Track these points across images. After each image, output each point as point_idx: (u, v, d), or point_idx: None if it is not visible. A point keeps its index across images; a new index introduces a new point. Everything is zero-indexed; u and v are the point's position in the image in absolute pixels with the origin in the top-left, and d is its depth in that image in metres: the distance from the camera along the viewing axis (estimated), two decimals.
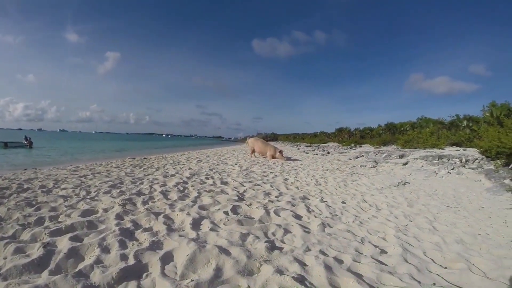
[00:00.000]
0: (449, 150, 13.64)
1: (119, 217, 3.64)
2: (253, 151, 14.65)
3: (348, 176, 8.65)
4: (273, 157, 13.71)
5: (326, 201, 5.19)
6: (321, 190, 6.28)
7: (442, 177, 8.64)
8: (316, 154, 19.92)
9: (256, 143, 14.62)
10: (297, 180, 7.43)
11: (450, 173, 8.95)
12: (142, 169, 8.41)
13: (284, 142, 70.69)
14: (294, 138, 73.79)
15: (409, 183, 7.77)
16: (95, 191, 5.02)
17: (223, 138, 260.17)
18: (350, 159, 15.40)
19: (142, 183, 5.88)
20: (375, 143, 24.51)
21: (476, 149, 10.44)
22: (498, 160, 8.17)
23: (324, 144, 38.12)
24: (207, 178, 6.92)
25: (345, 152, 20.07)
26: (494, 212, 4.87)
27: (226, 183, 6.42)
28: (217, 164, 10.39)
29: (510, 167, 7.71)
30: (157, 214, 3.75)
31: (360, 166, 11.87)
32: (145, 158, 13.05)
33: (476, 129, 17.70)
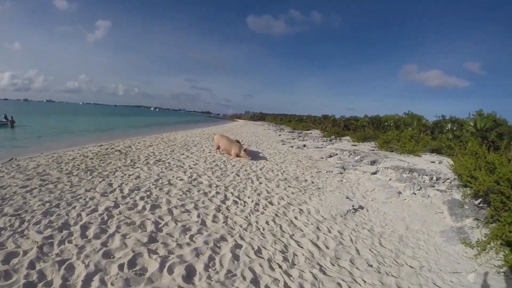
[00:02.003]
0: (425, 160, 13.07)
1: (31, 265, 3.75)
2: (218, 147, 14.21)
3: (299, 195, 7.99)
4: (237, 155, 13.23)
5: (239, 248, 4.69)
6: (249, 223, 5.72)
7: (405, 199, 8.08)
8: (292, 147, 19.35)
9: (222, 140, 14.15)
10: (236, 202, 6.93)
11: (415, 194, 8.40)
12: (91, 177, 8.29)
13: (270, 123, 70.89)
14: (281, 119, 73.60)
15: (362, 208, 7.21)
16: (28, 220, 5.07)
17: (212, 114, 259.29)
18: (322, 158, 14.88)
19: (75, 207, 5.77)
20: (355, 137, 23.96)
21: (451, 162, 9.79)
22: (468, 189, 7.52)
23: (307, 132, 37.74)
24: (142, 199, 6.58)
25: (321, 147, 19.49)
26: (430, 279, 4.32)
27: (155, 208, 6.09)
28: (170, 169, 9.91)
29: (477, 202, 7.07)
30: (62, 263, 3.81)
31: (326, 172, 11.33)
32: (112, 148, 13.99)
33: (459, 135, 17.26)
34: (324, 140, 24.83)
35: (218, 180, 8.79)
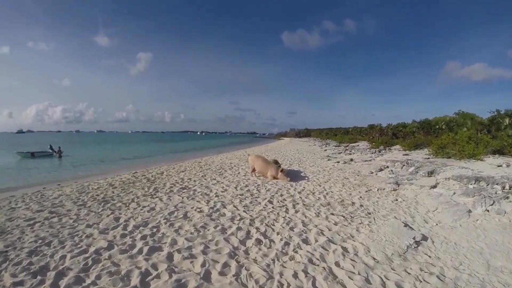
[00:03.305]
0: (489, 165, 11.15)
1: None
2: (254, 170, 12.77)
3: (343, 227, 6.30)
4: (275, 177, 11.79)
5: None
6: (270, 276, 4.16)
7: (477, 220, 6.37)
8: (338, 163, 17.72)
9: (257, 161, 12.68)
10: (259, 242, 5.40)
11: (488, 211, 6.69)
12: (102, 209, 7.74)
13: (316, 139, 70.76)
14: (327, 134, 71.97)
15: (426, 239, 5.52)
16: (12, 259, 4.68)
17: (257, 134, 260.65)
18: (372, 173, 13.21)
19: (64, 247, 5.17)
20: (406, 145, 21.92)
21: None
22: None
23: (353, 144, 36.00)
24: (143, 238, 5.62)
25: (370, 160, 17.73)
26: None
27: (154, 251, 5.00)
28: (192, 198, 8.78)
29: None
30: None
31: (377, 190, 9.71)
32: (143, 176, 13.79)
33: None
34: (373, 151, 23.10)
35: (244, 211, 7.37)
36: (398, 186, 9.89)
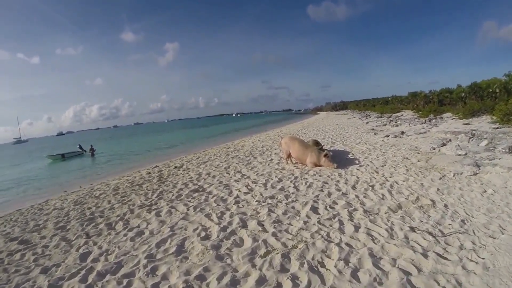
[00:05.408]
0: None
1: None
2: (289, 155, 10.05)
3: (438, 261, 3.47)
4: (316, 164, 9.11)
5: None
6: None
7: None
8: (387, 137, 14.77)
9: (292, 145, 9.78)
10: None
11: None
12: (78, 234, 5.76)
13: (353, 111, 67.27)
14: (364, 105, 68.13)
15: None
16: None
17: (293, 111, 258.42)
18: (434, 149, 10.29)
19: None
20: (460, 112, 18.72)
21: None
22: None
23: (396, 114, 33.03)
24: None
25: (425, 132, 14.79)
26: None
27: None
28: (202, 208, 6.37)
29: None
30: None
31: (454, 175, 6.98)
32: (158, 172, 12.32)
33: None
34: (422, 121, 20.05)
35: (274, 232, 4.67)
36: (479, 168, 7.13)
